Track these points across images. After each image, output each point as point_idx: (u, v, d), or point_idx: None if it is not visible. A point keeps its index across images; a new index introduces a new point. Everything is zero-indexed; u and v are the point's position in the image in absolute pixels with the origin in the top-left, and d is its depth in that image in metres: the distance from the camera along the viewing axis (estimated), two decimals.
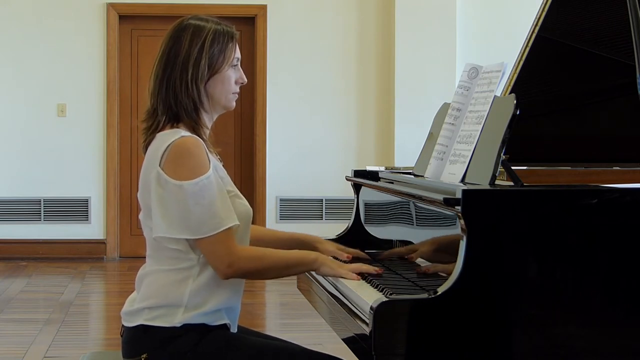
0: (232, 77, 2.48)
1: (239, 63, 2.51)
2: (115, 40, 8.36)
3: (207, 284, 2.39)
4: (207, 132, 2.49)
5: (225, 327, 2.43)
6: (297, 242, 2.76)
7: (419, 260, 2.56)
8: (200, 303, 2.38)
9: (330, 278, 2.62)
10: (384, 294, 2.27)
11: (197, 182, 2.31)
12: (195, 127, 2.43)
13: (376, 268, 2.52)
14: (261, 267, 2.41)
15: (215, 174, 2.38)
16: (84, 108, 8.37)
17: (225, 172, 2.50)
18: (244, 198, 2.51)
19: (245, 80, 2.53)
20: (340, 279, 2.55)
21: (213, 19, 2.49)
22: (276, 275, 2.46)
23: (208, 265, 2.39)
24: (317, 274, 2.56)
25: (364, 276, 2.51)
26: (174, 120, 2.43)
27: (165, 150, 2.34)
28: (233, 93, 2.49)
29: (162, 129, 2.43)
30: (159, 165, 2.34)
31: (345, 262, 2.62)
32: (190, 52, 2.41)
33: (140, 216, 2.47)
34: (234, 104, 2.52)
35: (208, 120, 2.49)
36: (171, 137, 2.36)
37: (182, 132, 2.38)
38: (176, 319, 2.36)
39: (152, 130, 2.45)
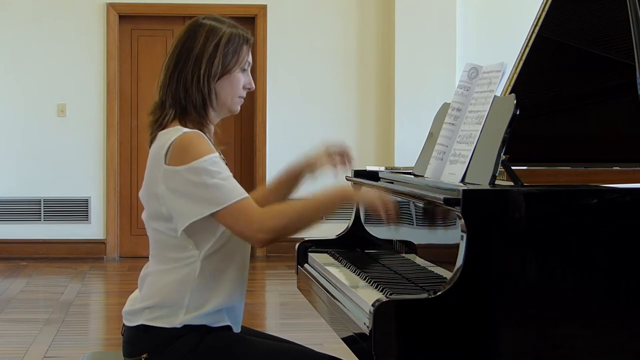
0: (241, 80, 2.47)
1: (249, 68, 2.51)
2: (115, 40, 8.36)
3: (207, 283, 2.38)
4: (212, 130, 2.49)
5: (227, 328, 2.42)
6: (291, 174, 2.70)
7: (419, 261, 2.56)
8: (202, 303, 2.37)
9: (329, 277, 2.63)
10: (384, 294, 2.27)
11: (206, 159, 2.31)
12: (201, 123, 2.43)
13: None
14: (292, 219, 2.35)
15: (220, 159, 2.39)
16: (84, 108, 8.38)
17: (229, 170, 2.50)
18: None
19: (253, 86, 2.52)
20: (341, 280, 2.55)
21: (230, 21, 2.50)
22: (311, 220, 2.38)
23: (209, 263, 2.38)
24: (350, 202, 2.53)
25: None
26: (182, 115, 2.42)
27: (168, 149, 2.34)
28: (239, 97, 2.49)
29: (167, 124, 2.42)
30: (165, 164, 2.34)
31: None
32: (205, 49, 2.41)
33: (143, 216, 2.46)
34: (239, 108, 2.52)
35: (214, 119, 2.49)
36: (173, 134, 2.36)
37: (183, 129, 2.37)
38: (177, 320, 2.36)
39: (158, 124, 2.44)
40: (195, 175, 2.31)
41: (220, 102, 2.46)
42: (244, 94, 2.50)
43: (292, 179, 2.69)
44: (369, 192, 2.49)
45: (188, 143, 2.34)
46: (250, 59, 2.50)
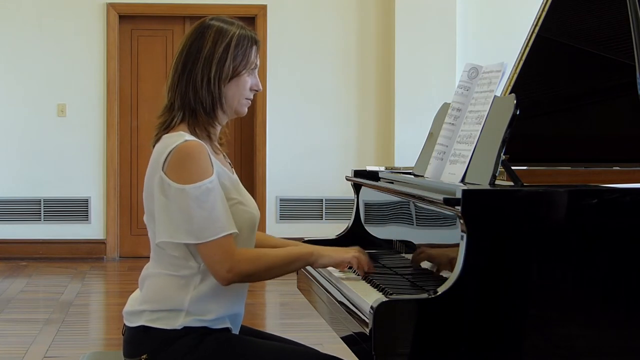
0: (248, 82, 2.46)
1: (256, 70, 2.50)
2: (115, 40, 8.36)
3: (208, 293, 2.37)
4: (218, 131, 2.48)
5: (226, 330, 2.42)
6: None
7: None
8: (202, 311, 2.37)
9: (331, 278, 2.62)
10: (384, 294, 2.27)
11: (199, 185, 2.30)
12: (209, 124, 2.42)
13: (371, 265, 2.51)
14: (260, 269, 2.39)
15: (217, 180, 2.37)
16: (84, 108, 8.38)
17: (232, 175, 2.48)
18: (249, 204, 2.49)
19: (261, 88, 2.51)
20: (341, 280, 2.55)
21: (238, 22, 2.48)
22: (276, 274, 2.45)
23: (210, 275, 2.38)
24: (314, 267, 2.55)
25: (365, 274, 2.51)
26: (190, 117, 2.41)
27: (168, 155, 2.33)
28: (246, 99, 2.48)
29: (175, 126, 2.41)
30: (162, 170, 2.34)
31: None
32: (215, 50, 2.40)
33: (145, 218, 2.46)
34: (246, 110, 2.50)
35: (222, 120, 2.48)
36: (174, 140, 2.35)
37: (186, 136, 2.36)
38: (177, 322, 2.36)
39: (166, 126, 2.43)
40: (184, 200, 2.30)
41: (228, 104, 2.45)
42: (251, 95, 2.49)
43: None
44: (334, 258, 2.48)
45: (186, 157, 2.32)
46: (257, 60, 2.49)
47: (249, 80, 2.46)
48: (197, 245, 2.33)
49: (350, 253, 2.51)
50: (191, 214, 2.30)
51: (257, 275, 2.41)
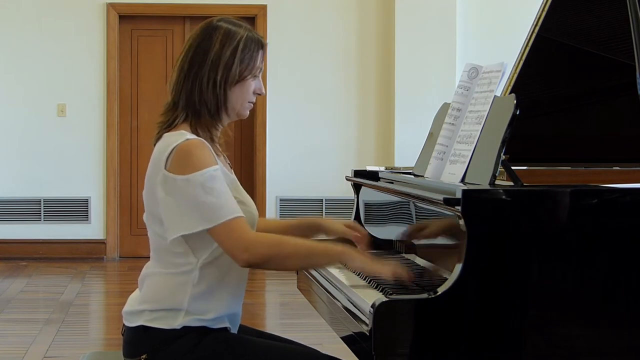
0: (252, 86, 2.45)
1: (260, 73, 2.49)
2: (115, 40, 8.36)
3: (207, 291, 2.37)
4: (219, 133, 2.48)
5: (225, 329, 2.42)
6: (303, 227, 2.71)
7: (419, 260, 2.56)
8: (202, 310, 2.37)
9: (329, 277, 2.62)
10: (384, 294, 2.27)
11: (203, 172, 2.30)
12: (211, 125, 2.42)
13: (410, 274, 2.37)
14: (281, 254, 2.34)
15: (221, 170, 2.37)
16: (84, 108, 8.38)
17: (231, 175, 2.48)
18: (249, 203, 2.49)
19: (264, 91, 2.49)
20: (341, 280, 2.55)
21: (245, 24, 2.48)
22: (298, 263, 2.39)
23: (208, 271, 2.38)
24: (346, 267, 2.47)
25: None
26: (193, 117, 2.41)
27: (170, 154, 2.33)
28: (249, 102, 2.47)
29: (177, 126, 2.41)
30: (165, 168, 2.33)
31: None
32: (222, 53, 2.39)
33: (144, 217, 2.46)
34: (247, 113, 2.49)
35: (224, 122, 2.47)
36: (176, 139, 2.34)
37: (187, 135, 2.36)
38: (176, 322, 2.36)
39: (168, 125, 2.42)
40: (190, 189, 2.29)
41: (231, 107, 2.44)
42: (254, 99, 2.48)
43: (307, 231, 2.69)
44: (370, 264, 2.35)
45: (189, 152, 2.32)
46: (262, 65, 2.48)
47: (253, 84, 2.46)
48: (210, 230, 2.31)
49: (388, 267, 2.36)
50: (199, 201, 2.29)
51: (275, 261, 2.35)
